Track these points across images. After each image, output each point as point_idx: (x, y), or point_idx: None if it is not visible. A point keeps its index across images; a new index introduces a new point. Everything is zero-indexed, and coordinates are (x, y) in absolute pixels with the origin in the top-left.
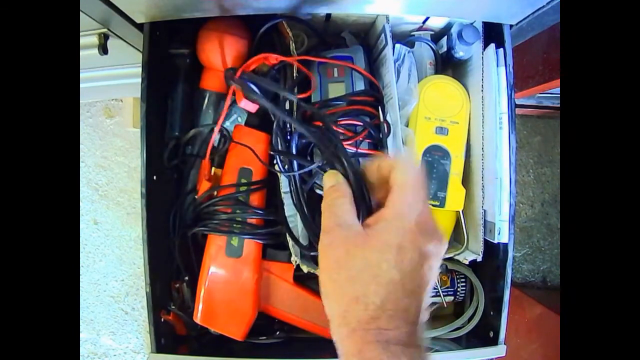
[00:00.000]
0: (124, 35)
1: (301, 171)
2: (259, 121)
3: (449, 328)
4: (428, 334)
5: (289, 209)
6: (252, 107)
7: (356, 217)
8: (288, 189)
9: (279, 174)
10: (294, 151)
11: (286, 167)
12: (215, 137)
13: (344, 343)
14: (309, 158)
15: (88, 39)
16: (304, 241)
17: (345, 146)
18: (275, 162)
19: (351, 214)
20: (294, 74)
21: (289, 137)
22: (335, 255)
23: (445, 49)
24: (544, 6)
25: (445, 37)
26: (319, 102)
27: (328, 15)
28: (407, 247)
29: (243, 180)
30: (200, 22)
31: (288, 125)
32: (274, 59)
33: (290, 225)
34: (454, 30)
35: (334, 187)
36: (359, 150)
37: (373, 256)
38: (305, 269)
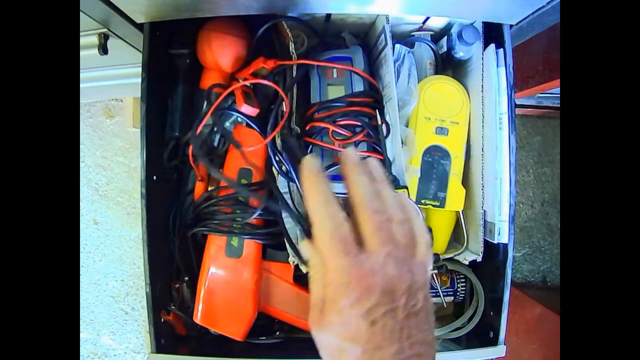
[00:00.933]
0: (124, 35)
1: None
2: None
3: (449, 328)
4: None
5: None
6: (253, 112)
7: None
8: (286, 189)
9: (276, 174)
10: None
11: (283, 168)
12: (215, 137)
13: None
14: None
15: (88, 39)
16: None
17: (343, 147)
18: (273, 163)
19: None
20: (293, 76)
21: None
22: None
23: (445, 49)
24: (544, 6)
25: (445, 37)
26: (318, 103)
27: (328, 16)
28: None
29: (243, 181)
30: (200, 22)
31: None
32: (272, 63)
33: (288, 225)
34: (454, 31)
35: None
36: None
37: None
38: (304, 269)
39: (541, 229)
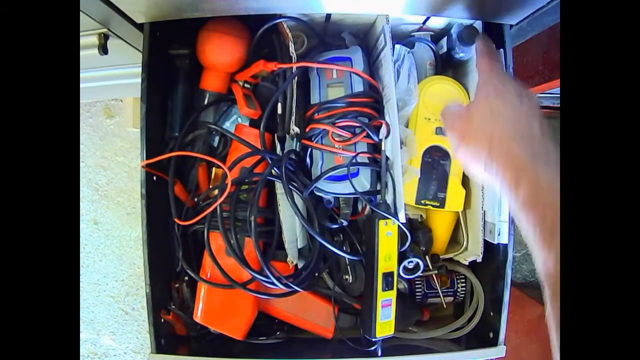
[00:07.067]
0: (124, 35)
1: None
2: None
3: (449, 329)
4: (427, 335)
5: (285, 210)
6: (254, 115)
7: None
8: (283, 190)
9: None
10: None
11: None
12: (214, 138)
13: None
14: (308, 160)
15: (88, 39)
16: (302, 242)
17: (343, 148)
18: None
19: None
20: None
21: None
22: None
23: (445, 49)
24: (544, 6)
25: (446, 37)
26: (318, 104)
27: (328, 16)
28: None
29: (244, 186)
30: (200, 22)
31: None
32: (273, 65)
33: (287, 225)
34: (454, 31)
35: None
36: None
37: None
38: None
39: None
